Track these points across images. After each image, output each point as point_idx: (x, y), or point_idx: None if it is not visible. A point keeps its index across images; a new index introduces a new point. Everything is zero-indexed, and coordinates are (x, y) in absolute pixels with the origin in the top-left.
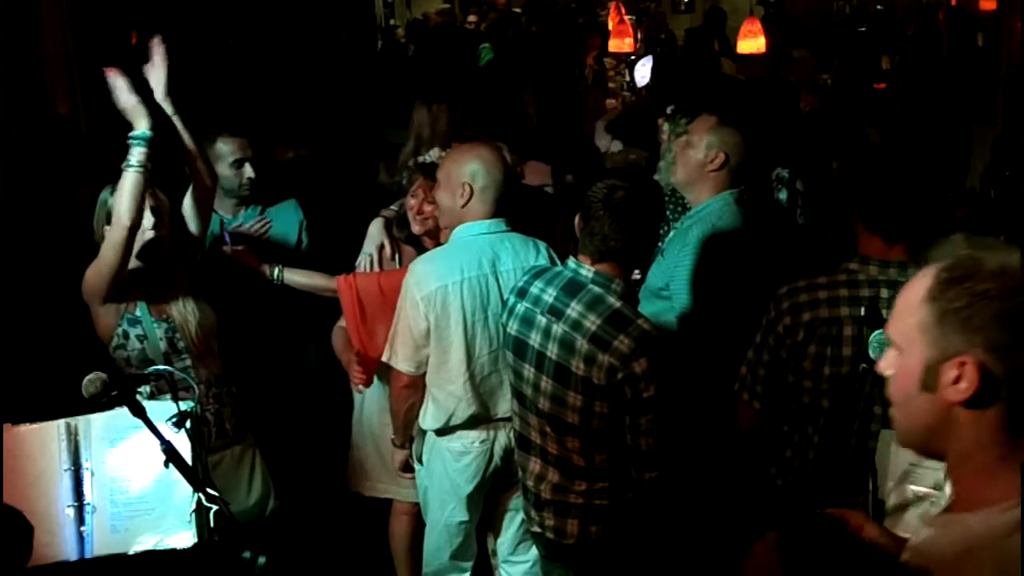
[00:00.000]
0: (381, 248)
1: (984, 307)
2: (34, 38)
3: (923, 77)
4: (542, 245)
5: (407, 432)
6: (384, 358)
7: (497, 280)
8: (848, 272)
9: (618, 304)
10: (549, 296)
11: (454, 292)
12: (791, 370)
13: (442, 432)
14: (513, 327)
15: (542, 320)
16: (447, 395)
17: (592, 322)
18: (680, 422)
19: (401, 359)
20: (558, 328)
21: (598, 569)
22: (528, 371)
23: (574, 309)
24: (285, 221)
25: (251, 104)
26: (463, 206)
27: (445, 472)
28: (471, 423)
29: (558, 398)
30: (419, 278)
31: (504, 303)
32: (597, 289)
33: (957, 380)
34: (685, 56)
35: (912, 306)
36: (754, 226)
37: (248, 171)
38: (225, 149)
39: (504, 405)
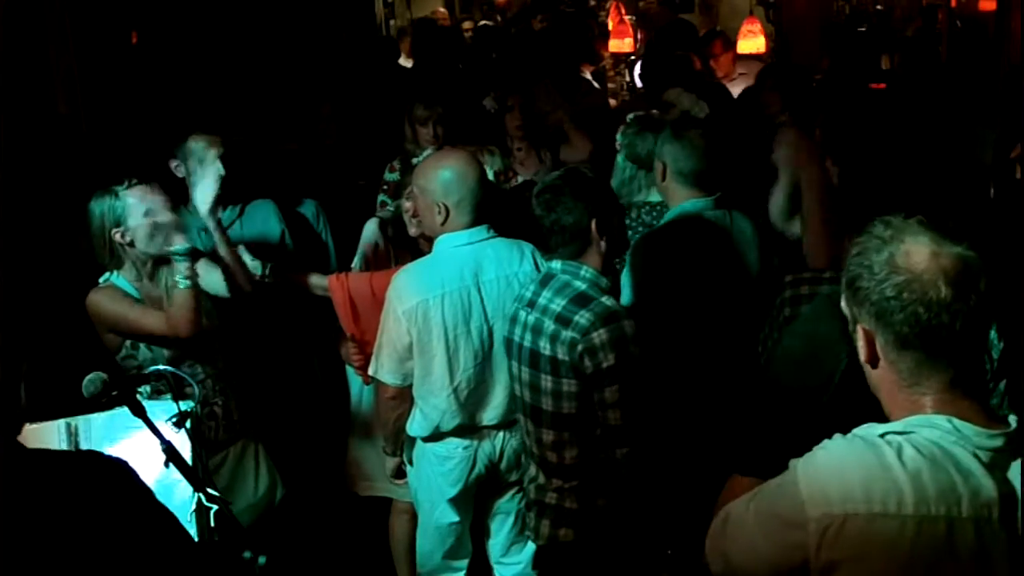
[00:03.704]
0: (376, 248)
1: (866, 287)
2: (35, 38)
3: (922, 78)
4: (527, 248)
5: (397, 440)
6: (370, 371)
7: (480, 292)
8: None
9: (584, 286)
10: (527, 292)
11: (435, 306)
12: None
13: (428, 437)
14: (506, 328)
15: (522, 314)
16: (432, 407)
17: (558, 304)
18: (651, 402)
19: (386, 372)
20: (531, 317)
21: (563, 573)
22: (515, 366)
23: (544, 297)
24: (263, 221)
25: (248, 102)
26: (442, 223)
27: (431, 475)
28: (457, 431)
29: (533, 385)
30: (400, 292)
31: (485, 313)
32: (565, 276)
33: (863, 344)
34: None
35: None
36: (708, 234)
37: (219, 168)
38: (197, 146)
39: (491, 414)
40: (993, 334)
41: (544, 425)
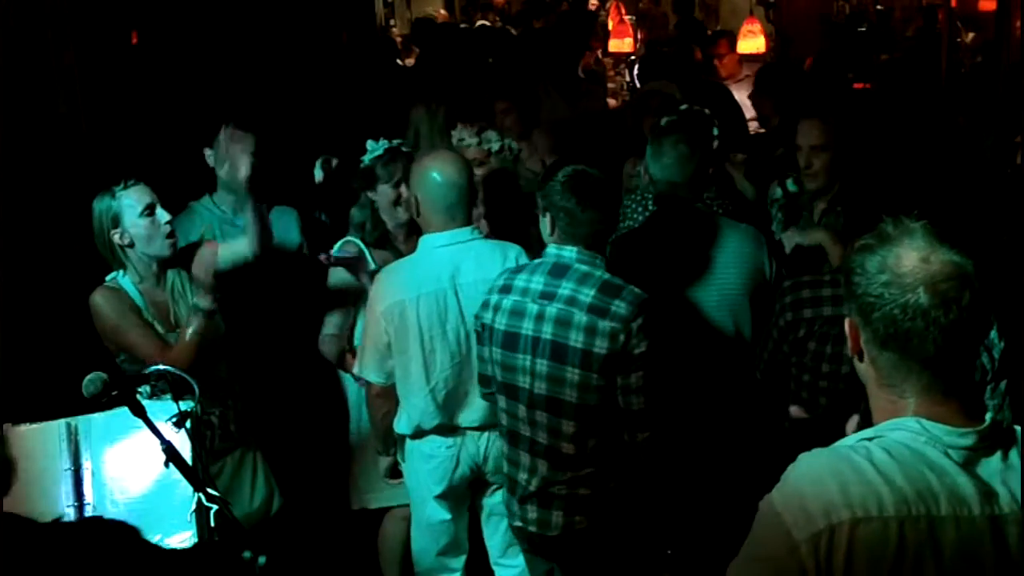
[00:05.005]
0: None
1: (857, 283)
2: (35, 38)
3: (915, 78)
4: (512, 252)
5: (388, 440)
6: (355, 370)
7: (456, 294)
8: None
9: (607, 275)
10: (537, 284)
11: (411, 307)
12: (792, 364)
13: (413, 436)
14: (501, 322)
15: (533, 307)
16: (412, 406)
17: (587, 294)
18: (668, 389)
19: (370, 370)
20: (552, 309)
21: (582, 560)
22: (521, 360)
23: (566, 287)
24: (285, 229)
25: (254, 103)
26: (427, 223)
27: (419, 472)
28: (440, 431)
29: (555, 377)
30: (380, 291)
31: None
32: (583, 267)
33: (849, 336)
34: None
35: None
36: (667, 244)
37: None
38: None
39: (472, 415)
40: (993, 334)
41: (565, 416)
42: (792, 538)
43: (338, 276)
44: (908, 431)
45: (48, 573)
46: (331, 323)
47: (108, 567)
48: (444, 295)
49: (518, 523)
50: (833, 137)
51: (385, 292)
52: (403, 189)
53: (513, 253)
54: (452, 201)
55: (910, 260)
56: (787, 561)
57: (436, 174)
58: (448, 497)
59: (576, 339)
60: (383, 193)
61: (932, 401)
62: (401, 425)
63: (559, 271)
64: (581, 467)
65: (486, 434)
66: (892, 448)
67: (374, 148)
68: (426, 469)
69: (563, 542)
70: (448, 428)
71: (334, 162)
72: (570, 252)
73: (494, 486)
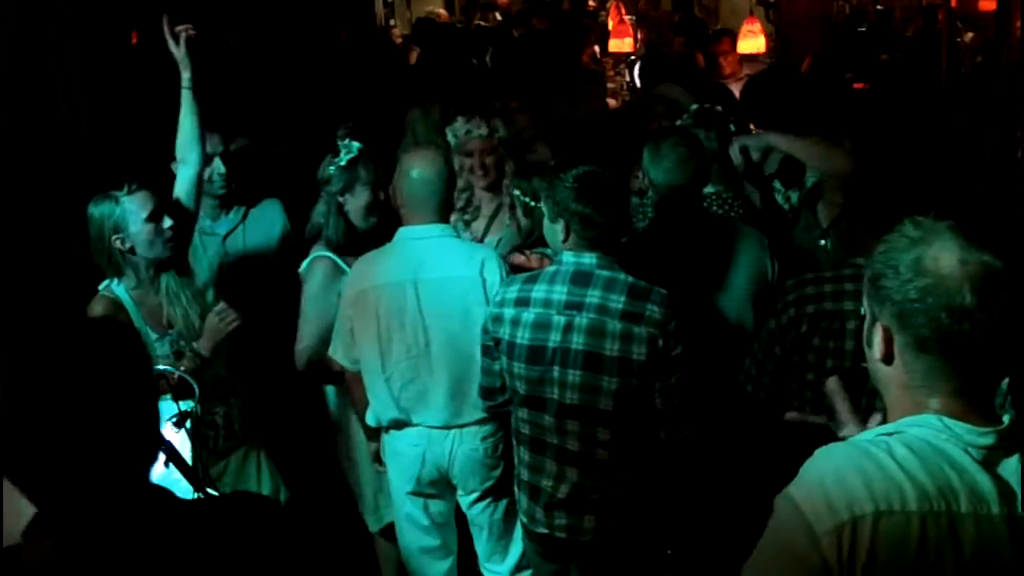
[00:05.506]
0: None
1: (890, 287)
2: (35, 38)
3: (915, 78)
4: (480, 254)
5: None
6: (330, 352)
7: (416, 289)
8: (854, 267)
9: (630, 278)
10: (559, 294)
11: (373, 296)
12: (794, 363)
13: (386, 428)
14: (524, 336)
15: (560, 319)
16: (373, 396)
17: (617, 301)
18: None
19: (341, 355)
20: (581, 319)
21: (605, 560)
22: (549, 372)
23: (593, 296)
24: (268, 223)
25: (250, 103)
26: (405, 217)
27: (392, 466)
28: (400, 427)
29: (589, 387)
30: (350, 277)
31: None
32: (605, 272)
33: (880, 341)
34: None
35: None
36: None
37: (219, 166)
38: None
39: (433, 415)
40: None
41: (599, 424)
42: (814, 531)
43: (311, 285)
44: (929, 428)
45: (198, 546)
46: (306, 335)
47: (260, 541)
48: (404, 288)
49: (543, 530)
50: (854, 150)
51: (353, 279)
52: (379, 193)
53: (480, 255)
54: (425, 196)
55: (948, 261)
56: (809, 555)
57: (414, 169)
58: (421, 495)
59: (612, 347)
60: (360, 195)
61: (957, 401)
62: (368, 416)
63: (582, 279)
64: (615, 472)
65: (452, 435)
66: (913, 444)
67: (348, 149)
68: (397, 466)
69: (592, 546)
70: (409, 425)
71: (350, 126)
72: (590, 258)
73: (471, 495)
